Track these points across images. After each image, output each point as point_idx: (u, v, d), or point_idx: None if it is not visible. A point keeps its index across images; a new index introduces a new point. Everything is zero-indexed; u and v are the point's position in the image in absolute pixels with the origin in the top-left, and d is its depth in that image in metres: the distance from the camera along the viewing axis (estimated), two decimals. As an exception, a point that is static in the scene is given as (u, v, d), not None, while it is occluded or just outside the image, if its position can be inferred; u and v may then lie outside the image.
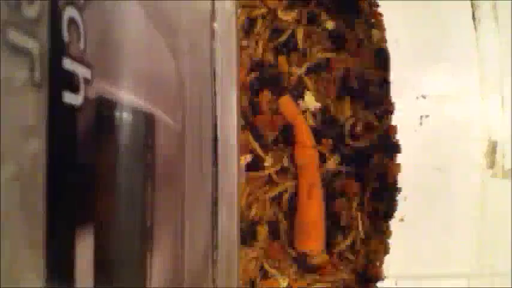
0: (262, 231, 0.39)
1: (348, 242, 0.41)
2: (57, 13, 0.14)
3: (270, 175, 0.40)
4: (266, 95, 0.40)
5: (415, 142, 0.42)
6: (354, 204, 0.41)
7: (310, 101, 0.40)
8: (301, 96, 0.41)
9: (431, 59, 0.43)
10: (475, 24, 0.43)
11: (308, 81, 0.41)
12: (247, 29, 0.40)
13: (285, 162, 0.40)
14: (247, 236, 0.39)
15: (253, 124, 0.40)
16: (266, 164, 0.40)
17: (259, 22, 0.40)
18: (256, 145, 0.39)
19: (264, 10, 0.40)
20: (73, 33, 0.15)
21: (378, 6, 0.42)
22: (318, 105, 0.41)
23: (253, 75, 0.40)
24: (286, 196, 0.40)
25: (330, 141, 0.41)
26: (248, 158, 0.39)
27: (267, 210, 0.40)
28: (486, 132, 0.43)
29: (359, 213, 0.41)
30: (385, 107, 0.42)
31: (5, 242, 0.12)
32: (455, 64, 0.43)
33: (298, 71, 0.40)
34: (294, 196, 0.40)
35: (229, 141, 0.28)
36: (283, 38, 0.41)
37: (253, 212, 0.39)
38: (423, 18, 0.43)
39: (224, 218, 0.27)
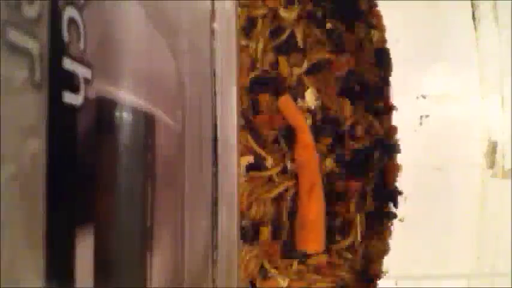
0: (265, 231, 0.39)
1: (348, 242, 0.41)
2: (57, 13, 0.14)
3: (270, 176, 0.40)
4: (266, 95, 0.40)
5: (415, 142, 0.42)
6: (353, 204, 0.41)
7: (311, 99, 0.40)
8: (301, 96, 0.41)
9: (431, 59, 0.43)
10: (475, 24, 0.43)
11: (308, 82, 0.41)
12: (248, 29, 0.40)
13: (286, 162, 0.40)
14: (249, 235, 0.39)
15: (253, 124, 0.40)
16: (267, 164, 0.39)
17: (260, 22, 0.40)
18: (255, 145, 0.39)
19: (264, 11, 0.40)
20: (73, 33, 0.15)
21: (377, 6, 0.42)
22: (319, 103, 0.41)
23: (253, 75, 0.40)
24: (287, 196, 0.40)
25: (330, 140, 0.41)
26: (251, 159, 0.39)
27: (267, 210, 0.40)
28: (486, 132, 0.43)
29: (358, 215, 0.41)
30: (385, 107, 0.42)
31: (5, 242, 0.12)
32: (455, 64, 0.43)
33: (298, 70, 0.40)
34: (295, 196, 0.40)
35: (229, 141, 0.28)
36: (283, 37, 0.40)
37: (253, 211, 0.39)
38: (423, 18, 0.43)
39: (224, 218, 0.27)
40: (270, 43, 0.40)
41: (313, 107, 0.40)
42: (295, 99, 0.40)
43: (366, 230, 0.41)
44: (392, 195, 0.42)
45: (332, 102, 0.41)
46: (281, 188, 0.40)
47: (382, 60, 0.42)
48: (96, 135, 0.17)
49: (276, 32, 0.41)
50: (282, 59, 0.40)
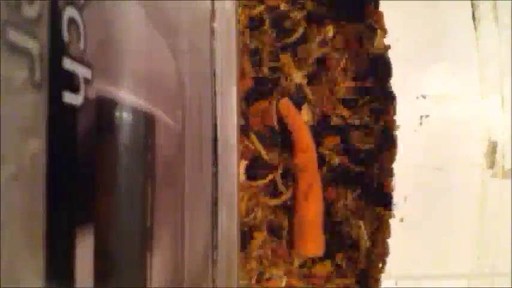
0: (259, 237, 0.39)
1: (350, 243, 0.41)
2: (57, 13, 0.14)
3: (272, 179, 0.40)
4: (264, 102, 0.40)
5: (415, 142, 0.42)
6: (353, 205, 0.41)
7: (307, 115, 0.40)
8: (300, 102, 0.41)
9: (431, 59, 0.43)
10: (475, 24, 0.43)
11: (306, 89, 0.41)
12: (252, 29, 0.40)
13: (286, 164, 0.40)
14: (246, 241, 0.39)
15: (251, 125, 0.40)
16: (268, 163, 0.39)
17: (266, 23, 0.40)
18: (259, 145, 0.39)
19: (262, 7, 0.40)
20: (73, 33, 0.15)
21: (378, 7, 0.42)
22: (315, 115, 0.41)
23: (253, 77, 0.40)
24: (286, 199, 0.40)
25: (331, 140, 0.41)
26: (244, 162, 0.39)
27: (267, 211, 0.40)
28: (486, 132, 0.43)
29: (360, 221, 0.41)
30: (385, 107, 0.42)
31: (5, 242, 0.12)
32: (455, 64, 0.43)
33: (297, 74, 0.40)
34: (294, 198, 0.40)
35: (229, 141, 0.28)
36: (292, 38, 0.40)
37: (253, 215, 0.39)
38: (423, 18, 0.43)
39: (224, 218, 0.27)
40: (273, 44, 0.40)
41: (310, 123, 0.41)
42: (295, 104, 0.40)
43: (368, 230, 0.41)
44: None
45: (331, 104, 0.41)
46: (285, 198, 0.40)
47: (377, 68, 0.41)
48: (96, 135, 0.17)
49: (279, 33, 0.41)
50: (285, 57, 0.40)
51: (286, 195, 0.40)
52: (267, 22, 0.40)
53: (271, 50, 0.40)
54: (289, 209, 0.40)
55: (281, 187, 0.40)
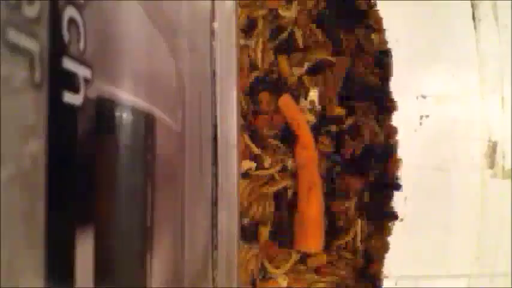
0: (265, 231, 0.39)
1: (349, 238, 0.41)
2: (57, 13, 0.14)
3: (271, 175, 0.40)
4: (266, 94, 0.40)
5: (415, 142, 0.42)
6: (353, 203, 0.41)
7: (314, 97, 0.40)
8: (303, 96, 0.41)
9: (431, 59, 0.43)
10: (475, 24, 0.43)
11: (308, 82, 0.41)
12: (248, 29, 0.40)
13: (286, 161, 0.40)
14: (248, 236, 0.39)
15: (251, 124, 0.40)
16: (266, 165, 0.39)
17: (260, 22, 0.40)
18: (252, 145, 0.39)
19: (264, 11, 0.40)
20: (73, 33, 0.15)
21: (376, 6, 0.42)
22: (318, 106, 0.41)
23: (253, 75, 0.40)
24: (286, 195, 0.40)
25: (329, 140, 0.41)
26: (252, 166, 0.39)
27: (268, 209, 0.40)
28: (486, 132, 0.43)
29: (358, 213, 0.41)
30: (386, 107, 0.42)
31: (5, 242, 0.12)
32: (455, 64, 0.43)
33: (298, 71, 0.40)
34: (295, 196, 0.40)
35: (229, 141, 0.28)
36: (284, 36, 0.40)
37: (253, 211, 0.39)
38: (423, 18, 0.43)
39: (224, 218, 0.27)
40: (270, 43, 0.40)
41: (316, 104, 0.40)
42: (296, 100, 0.40)
43: (366, 228, 0.41)
44: (391, 188, 0.41)
45: (331, 102, 0.41)
46: (282, 184, 0.40)
47: (382, 61, 0.41)
48: (96, 135, 0.17)
49: (276, 32, 0.41)
50: (282, 58, 0.40)
51: (285, 182, 0.40)
52: (266, 23, 0.40)
53: (270, 49, 0.40)
54: (290, 206, 0.40)
55: (278, 177, 0.40)
